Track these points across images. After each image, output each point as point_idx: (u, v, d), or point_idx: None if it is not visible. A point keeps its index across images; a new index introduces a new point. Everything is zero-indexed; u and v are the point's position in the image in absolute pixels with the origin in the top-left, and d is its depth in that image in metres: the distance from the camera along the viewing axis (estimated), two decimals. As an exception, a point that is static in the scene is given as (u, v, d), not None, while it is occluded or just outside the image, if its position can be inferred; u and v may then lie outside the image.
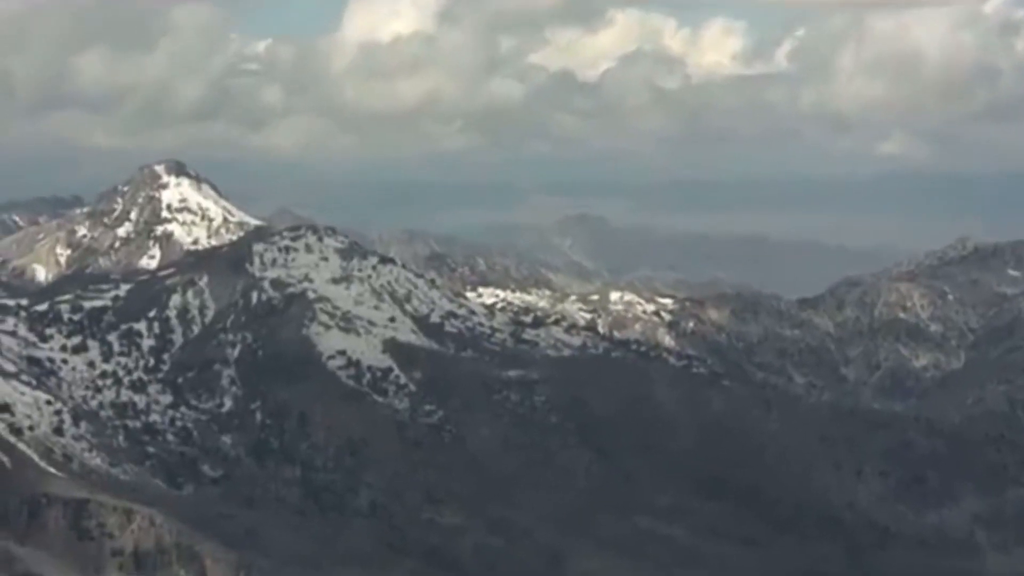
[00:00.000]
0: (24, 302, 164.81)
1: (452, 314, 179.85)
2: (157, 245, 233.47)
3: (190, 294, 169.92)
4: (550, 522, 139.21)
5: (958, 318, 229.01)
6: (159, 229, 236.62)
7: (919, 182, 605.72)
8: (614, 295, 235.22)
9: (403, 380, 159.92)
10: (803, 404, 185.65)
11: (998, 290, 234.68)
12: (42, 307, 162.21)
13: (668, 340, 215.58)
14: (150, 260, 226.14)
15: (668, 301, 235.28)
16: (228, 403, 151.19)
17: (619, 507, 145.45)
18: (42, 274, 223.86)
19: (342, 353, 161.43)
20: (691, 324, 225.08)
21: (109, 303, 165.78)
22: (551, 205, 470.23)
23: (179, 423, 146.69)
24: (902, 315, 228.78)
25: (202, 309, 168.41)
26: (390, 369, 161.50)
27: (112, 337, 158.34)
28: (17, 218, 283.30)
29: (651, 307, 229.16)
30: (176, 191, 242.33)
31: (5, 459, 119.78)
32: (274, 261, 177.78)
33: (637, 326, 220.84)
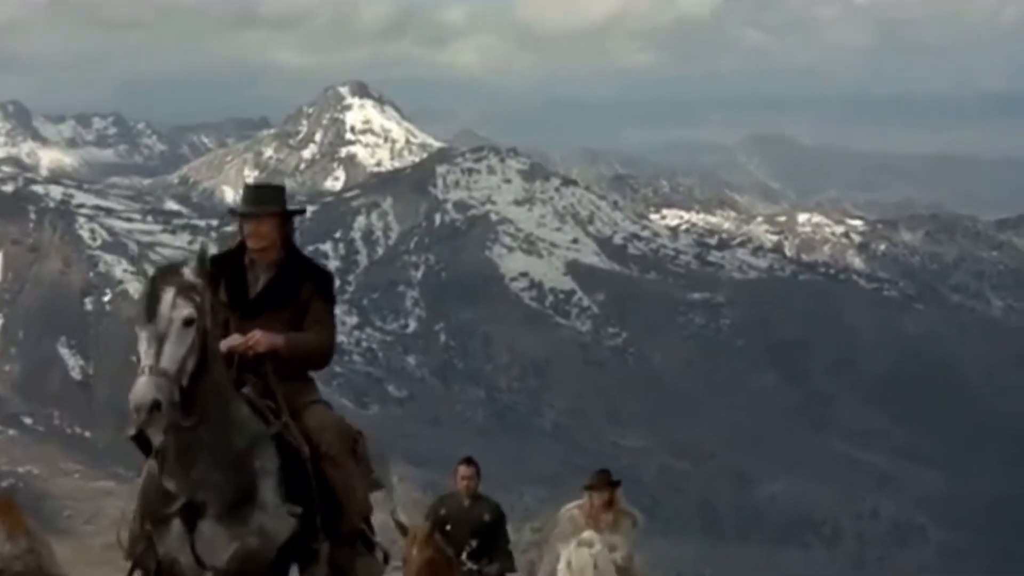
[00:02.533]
0: (214, 223, 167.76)
1: (635, 236, 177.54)
2: (341, 167, 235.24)
3: (374, 216, 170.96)
4: (736, 445, 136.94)
5: None
6: (343, 151, 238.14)
7: None
8: (802, 216, 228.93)
9: (586, 302, 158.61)
10: (1001, 327, 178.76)
11: None
12: (231, 228, 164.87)
13: (858, 262, 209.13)
14: (335, 182, 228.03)
15: (858, 222, 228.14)
16: (412, 324, 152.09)
17: (808, 430, 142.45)
18: (230, 196, 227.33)
19: (524, 275, 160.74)
20: (882, 246, 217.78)
21: (295, 224, 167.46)
22: (737, 123, 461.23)
23: (364, 344, 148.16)
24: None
25: (386, 231, 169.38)
26: (573, 291, 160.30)
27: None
28: (206, 139, 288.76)
29: (840, 228, 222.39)
30: (360, 113, 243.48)
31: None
32: (457, 183, 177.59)
33: (826, 248, 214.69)
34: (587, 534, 10.78)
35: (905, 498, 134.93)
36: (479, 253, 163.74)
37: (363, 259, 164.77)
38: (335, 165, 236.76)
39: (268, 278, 7.85)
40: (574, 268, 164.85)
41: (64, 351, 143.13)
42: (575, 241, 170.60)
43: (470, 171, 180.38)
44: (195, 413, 6.83)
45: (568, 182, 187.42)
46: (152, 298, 6.83)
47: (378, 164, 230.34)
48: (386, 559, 8.08)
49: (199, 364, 6.83)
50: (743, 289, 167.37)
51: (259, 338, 7.56)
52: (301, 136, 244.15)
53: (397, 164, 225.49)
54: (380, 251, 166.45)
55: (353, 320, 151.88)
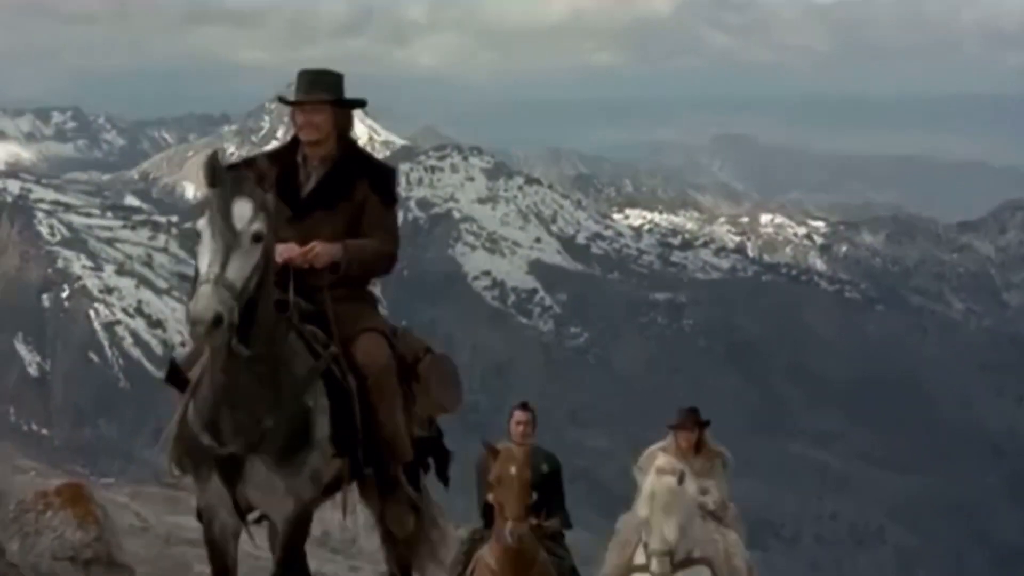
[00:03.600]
0: (175, 219, 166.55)
1: (598, 235, 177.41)
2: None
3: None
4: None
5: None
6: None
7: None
8: (764, 217, 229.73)
9: (548, 302, 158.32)
10: (962, 330, 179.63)
11: None
12: (192, 224, 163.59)
13: (820, 264, 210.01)
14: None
15: (820, 224, 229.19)
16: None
17: (768, 432, 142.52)
18: (191, 191, 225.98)
19: (487, 274, 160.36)
20: (844, 247, 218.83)
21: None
22: (699, 123, 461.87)
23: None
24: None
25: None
26: (535, 290, 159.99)
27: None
28: (167, 135, 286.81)
29: (802, 230, 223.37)
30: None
31: (158, 375, 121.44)
32: (420, 181, 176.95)
33: (788, 249, 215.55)
34: (664, 460, 9.83)
35: (864, 500, 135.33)
36: (442, 251, 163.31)
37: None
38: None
39: (321, 175, 7.30)
40: (537, 267, 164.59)
41: (21, 347, 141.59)
42: (538, 240, 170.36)
43: (433, 169, 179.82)
44: (251, 344, 6.26)
45: (531, 181, 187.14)
46: (225, 203, 6.24)
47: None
48: (417, 511, 7.72)
49: (258, 287, 6.24)
50: (706, 289, 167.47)
51: (319, 251, 7.04)
52: (263, 132, 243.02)
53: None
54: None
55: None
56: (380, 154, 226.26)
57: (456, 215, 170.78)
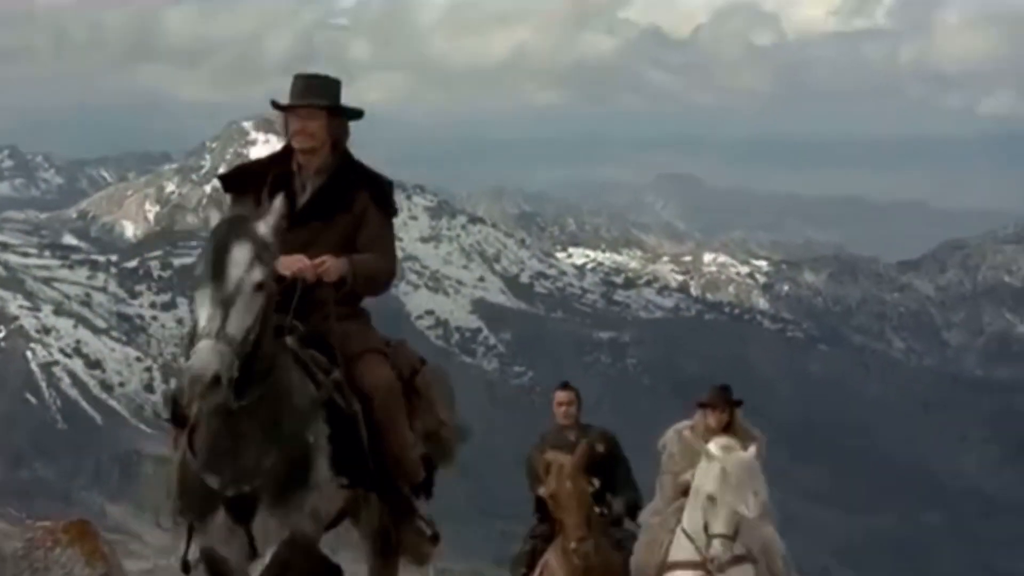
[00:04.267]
0: (114, 258, 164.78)
1: (542, 274, 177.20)
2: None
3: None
4: (642, 486, 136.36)
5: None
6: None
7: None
8: (707, 256, 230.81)
9: (492, 341, 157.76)
10: (903, 369, 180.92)
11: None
12: (132, 263, 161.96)
13: (763, 303, 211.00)
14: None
15: (763, 263, 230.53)
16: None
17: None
18: (131, 230, 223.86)
19: (430, 313, 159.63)
20: (786, 287, 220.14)
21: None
22: (643, 162, 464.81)
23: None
24: (1007, 279, 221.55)
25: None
26: (479, 330, 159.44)
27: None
28: (106, 173, 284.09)
29: (745, 269, 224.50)
30: (264, 148, 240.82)
31: (96, 416, 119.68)
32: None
33: (731, 288, 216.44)
34: (724, 438, 9.20)
35: (808, 539, 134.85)
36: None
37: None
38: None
39: (316, 186, 6.91)
40: (480, 306, 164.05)
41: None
42: (481, 279, 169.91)
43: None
44: (248, 392, 5.99)
45: (475, 220, 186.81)
46: (220, 253, 5.88)
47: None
48: (435, 538, 7.48)
49: (259, 333, 5.97)
50: (649, 328, 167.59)
51: (329, 265, 6.71)
52: (204, 171, 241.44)
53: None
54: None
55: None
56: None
57: (399, 254, 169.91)
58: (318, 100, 6.87)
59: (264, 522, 6.23)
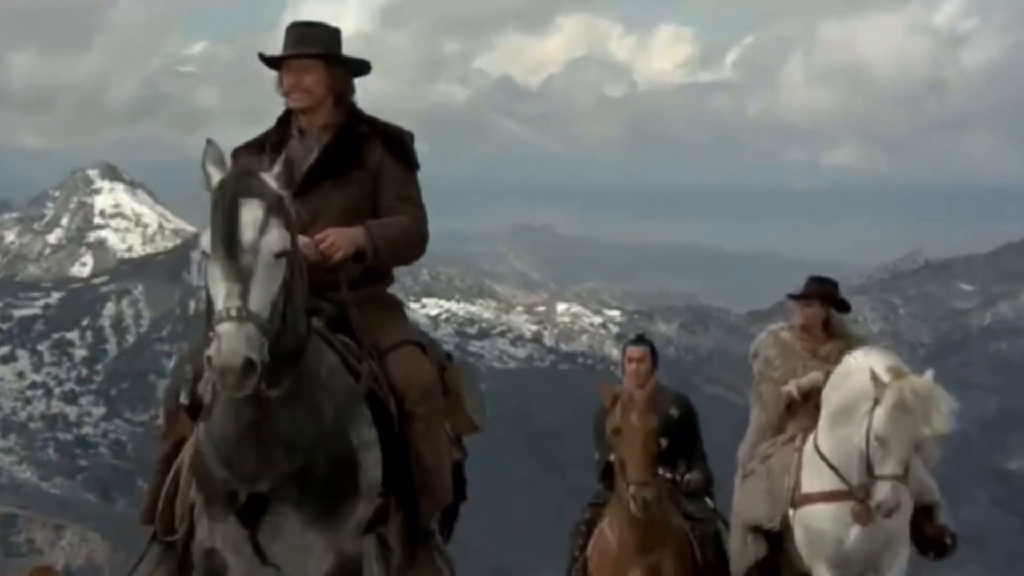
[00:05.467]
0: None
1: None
2: (90, 252, 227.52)
3: (124, 303, 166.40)
4: (498, 539, 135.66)
5: (909, 332, 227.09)
6: (91, 236, 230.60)
7: (871, 193, 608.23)
8: (561, 306, 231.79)
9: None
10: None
11: (950, 304, 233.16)
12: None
13: (616, 353, 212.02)
14: (82, 268, 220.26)
15: (616, 313, 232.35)
16: (164, 416, 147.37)
17: (567, 522, 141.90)
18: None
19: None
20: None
21: (40, 311, 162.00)
22: (497, 212, 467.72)
23: (112, 436, 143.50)
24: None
25: (137, 318, 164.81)
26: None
27: (43, 347, 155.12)
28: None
29: (598, 319, 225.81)
30: (110, 196, 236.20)
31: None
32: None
33: (584, 338, 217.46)
34: (889, 360, 7.68)
35: None
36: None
37: (112, 348, 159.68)
38: (83, 250, 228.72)
39: (323, 146, 5.96)
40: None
41: None
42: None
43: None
44: (279, 378, 5.05)
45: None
46: (230, 218, 4.87)
47: (129, 250, 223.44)
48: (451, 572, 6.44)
49: (285, 307, 5.02)
50: (503, 379, 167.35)
51: (334, 239, 5.68)
52: (46, 220, 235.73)
53: (149, 249, 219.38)
54: (131, 339, 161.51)
55: (100, 411, 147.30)
56: (170, 241, 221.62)
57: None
58: (311, 49, 5.91)
59: (301, 536, 5.27)
